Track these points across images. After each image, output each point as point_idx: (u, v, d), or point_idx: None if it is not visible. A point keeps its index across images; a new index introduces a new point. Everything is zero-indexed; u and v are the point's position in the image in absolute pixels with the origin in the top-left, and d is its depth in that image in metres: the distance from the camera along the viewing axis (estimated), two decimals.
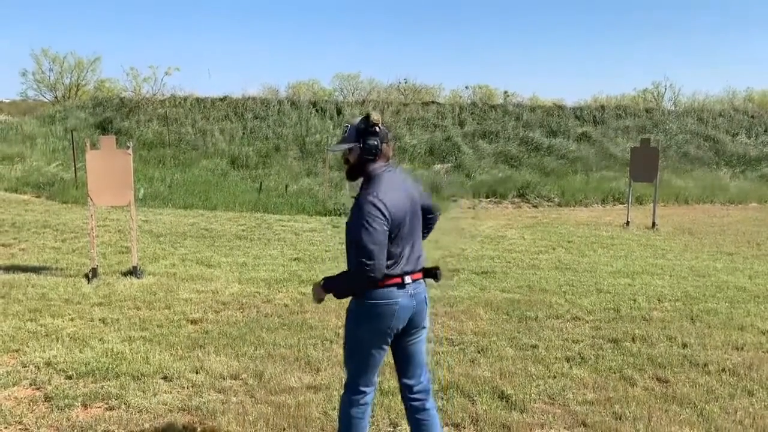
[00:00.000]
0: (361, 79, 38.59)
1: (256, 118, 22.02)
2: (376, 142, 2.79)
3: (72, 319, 5.53)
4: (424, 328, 2.94)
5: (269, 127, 21.40)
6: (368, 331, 2.79)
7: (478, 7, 71.89)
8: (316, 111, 23.03)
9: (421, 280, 2.89)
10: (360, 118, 2.85)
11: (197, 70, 62.63)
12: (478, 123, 22.95)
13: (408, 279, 2.79)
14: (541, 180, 18.14)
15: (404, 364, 2.96)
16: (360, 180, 2.87)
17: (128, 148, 7.32)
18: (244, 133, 20.91)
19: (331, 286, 2.82)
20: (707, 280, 7.59)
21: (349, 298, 2.88)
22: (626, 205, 13.55)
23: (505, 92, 30.50)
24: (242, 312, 5.88)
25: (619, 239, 10.77)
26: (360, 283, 2.71)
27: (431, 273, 2.93)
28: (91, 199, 7.24)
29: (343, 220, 12.00)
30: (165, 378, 4.27)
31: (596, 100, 32.22)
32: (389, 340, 2.84)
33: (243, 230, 10.61)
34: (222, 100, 23.12)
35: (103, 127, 20.05)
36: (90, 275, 6.98)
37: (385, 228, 2.66)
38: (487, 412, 3.81)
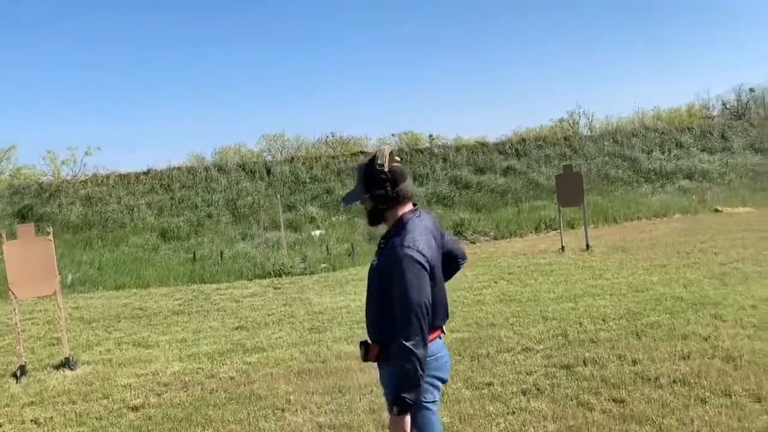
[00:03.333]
0: (288, 137, 38.61)
1: (184, 187, 21.66)
2: (383, 192, 2.56)
3: (0, 425, 5.11)
4: None
5: (198, 195, 21.06)
6: (428, 391, 2.54)
7: (390, 55, 73.86)
8: (246, 173, 22.86)
9: None
10: (366, 160, 2.62)
11: (118, 147, 61.23)
12: (407, 167, 23.25)
13: (444, 328, 2.69)
14: (474, 216, 18.45)
15: None
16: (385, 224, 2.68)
17: (48, 233, 6.99)
18: (172, 204, 20.48)
19: (405, 393, 2.37)
20: (646, 294, 7.78)
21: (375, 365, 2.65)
22: (559, 230, 13.88)
23: (430, 135, 31.19)
24: (186, 391, 5.59)
25: (557, 264, 10.98)
26: (421, 353, 2.38)
27: None
28: (12, 292, 6.82)
29: (283, 279, 11.72)
30: None
31: (517, 133, 33.33)
32: None
33: (179, 304, 10.23)
34: (146, 173, 22.66)
35: (23, 215, 19.25)
36: (18, 374, 6.52)
37: (428, 280, 2.47)
38: None
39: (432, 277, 2.49)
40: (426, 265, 2.46)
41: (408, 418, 2.39)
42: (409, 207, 2.62)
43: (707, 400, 4.23)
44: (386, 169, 2.56)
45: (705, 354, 5.19)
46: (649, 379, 4.72)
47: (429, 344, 2.46)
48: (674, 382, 4.62)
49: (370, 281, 2.62)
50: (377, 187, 2.56)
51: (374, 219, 2.66)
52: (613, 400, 4.42)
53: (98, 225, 19.07)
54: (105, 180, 22.16)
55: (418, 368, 2.35)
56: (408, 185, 2.62)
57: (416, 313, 2.37)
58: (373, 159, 2.58)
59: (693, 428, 3.81)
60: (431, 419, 2.55)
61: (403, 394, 2.36)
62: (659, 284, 8.38)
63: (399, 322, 2.39)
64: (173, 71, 66.38)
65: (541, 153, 25.11)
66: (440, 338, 2.63)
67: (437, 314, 2.55)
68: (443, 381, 2.62)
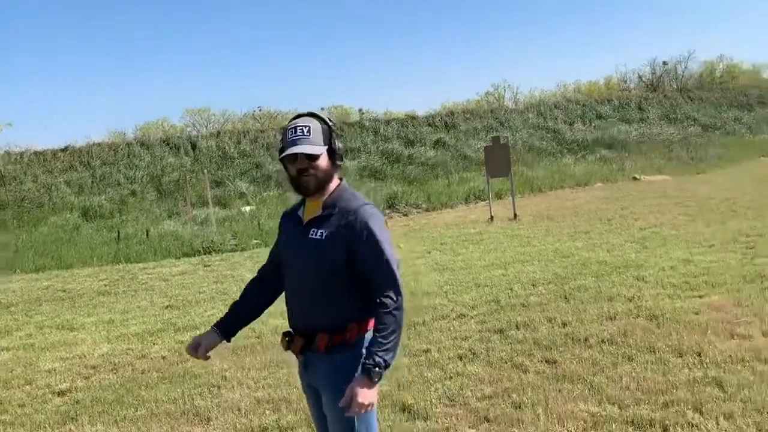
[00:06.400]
0: (214, 112, 37.50)
1: (105, 164, 20.81)
2: (341, 146, 2.31)
3: None
4: None
5: (120, 172, 20.28)
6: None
7: (322, 29, 72.92)
8: (170, 148, 22.14)
9: None
10: (310, 116, 2.28)
11: (33, 123, 57.99)
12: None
13: None
14: (406, 189, 18.56)
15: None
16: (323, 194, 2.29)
17: None
18: (93, 182, 19.64)
19: (385, 357, 2.12)
20: (572, 260, 8.05)
21: (333, 356, 2.26)
22: (488, 201, 14.16)
23: (360, 109, 31.04)
24: (115, 373, 5.40)
25: (487, 234, 11.20)
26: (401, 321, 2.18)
27: None
28: None
29: (214, 257, 11.46)
30: None
31: (445, 107, 33.57)
32: None
33: (105, 285, 9.85)
34: (64, 150, 21.60)
35: None
36: None
37: None
38: (392, 428, 3.73)
39: None
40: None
41: (372, 384, 2.13)
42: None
43: (634, 357, 4.41)
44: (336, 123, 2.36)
45: (630, 314, 5.42)
46: (579, 340, 4.89)
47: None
48: (602, 341, 4.80)
49: (313, 259, 2.23)
50: (335, 140, 2.27)
51: (321, 183, 2.25)
52: (545, 361, 4.55)
53: (13, 205, 18.10)
54: (19, 158, 20.99)
55: (401, 331, 2.17)
56: None
57: (398, 271, 2.18)
58: (316, 114, 2.31)
59: (622, 384, 3.97)
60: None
61: (387, 358, 2.12)
62: (584, 249, 8.68)
63: (388, 278, 2.16)
64: (87, 44, 63.23)
65: (469, 126, 25.45)
66: None
67: None
68: None
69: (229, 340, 2.48)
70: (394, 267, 2.18)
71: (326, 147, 2.24)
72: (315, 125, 2.25)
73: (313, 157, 2.21)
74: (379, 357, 2.10)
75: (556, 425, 3.55)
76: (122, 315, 7.60)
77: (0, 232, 15.78)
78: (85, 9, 64.23)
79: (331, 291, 2.23)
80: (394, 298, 2.15)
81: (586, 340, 4.87)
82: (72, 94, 63.80)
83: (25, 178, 19.65)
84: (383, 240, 2.19)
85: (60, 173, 20.10)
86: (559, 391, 3.97)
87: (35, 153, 21.38)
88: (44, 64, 63.12)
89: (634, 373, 4.11)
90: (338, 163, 2.29)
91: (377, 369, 2.10)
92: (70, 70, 63.46)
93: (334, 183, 2.31)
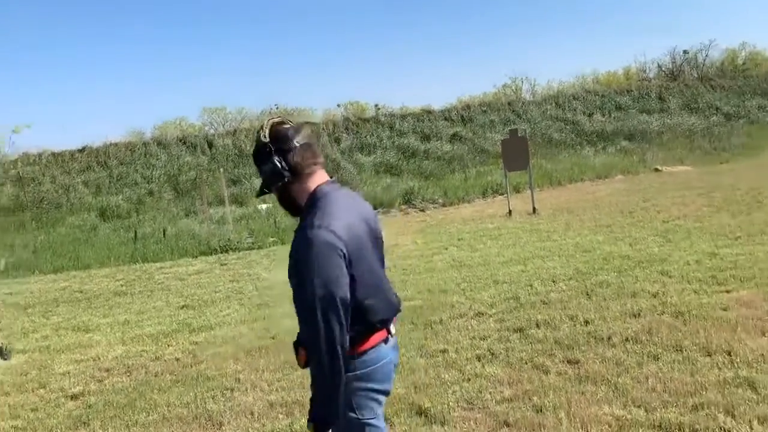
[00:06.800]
0: (230, 110, 37.57)
1: (122, 164, 20.92)
2: (271, 166, 2.10)
3: None
4: None
5: (137, 172, 20.37)
6: (367, 407, 2.12)
7: (339, 25, 72.84)
8: (187, 147, 22.20)
9: None
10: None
11: (50, 124, 58.56)
12: (353, 137, 23.02)
13: (392, 327, 2.22)
14: (423, 184, 18.40)
15: None
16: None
17: None
18: (110, 182, 19.75)
19: (319, 413, 2.02)
20: (593, 254, 7.85)
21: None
22: (506, 195, 13.95)
23: (376, 105, 30.92)
24: (129, 375, 5.34)
25: (505, 229, 11.01)
26: (338, 363, 1.98)
27: None
28: None
29: (230, 255, 11.42)
30: None
31: (461, 101, 33.29)
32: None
33: (122, 285, 9.84)
34: (81, 151, 21.76)
35: None
36: None
37: (343, 269, 2.00)
38: None
39: (354, 264, 2.03)
40: (341, 249, 1.99)
41: None
42: (321, 178, 2.16)
43: (659, 356, 4.24)
44: (266, 139, 2.11)
45: (654, 310, 5.23)
46: (602, 339, 4.72)
47: (371, 350, 2.11)
48: (626, 340, 4.62)
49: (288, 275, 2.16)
50: (264, 162, 2.12)
51: (288, 206, 2.21)
52: (567, 361, 4.39)
53: (32, 206, 18.24)
54: (37, 159, 21.19)
55: (329, 380, 1.97)
56: (306, 151, 2.13)
57: (323, 309, 1.95)
58: (257, 140, 2.15)
59: (648, 385, 3.80)
60: None
61: (321, 413, 2.00)
62: (605, 243, 8.47)
63: (302, 322, 2.02)
64: (111, 46, 63.74)
65: (485, 119, 25.20)
66: (386, 342, 2.18)
67: (376, 312, 2.12)
68: (386, 393, 2.22)
69: None
70: (315, 311, 1.95)
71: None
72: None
73: (267, 192, 2.23)
74: (315, 413, 2.02)
75: (579, 430, 3.40)
76: (138, 316, 7.56)
77: (19, 234, 15.91)
78: (104, 9, 64.72)
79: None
80: (310, 345, 2.01)
81: (609, 338, 4.70)
82: (90, 95, 64.36)
83: (44, 179, 19.82)
84: (307, 271, 1.97)
85: (77, 174, 20.25)
86: (582, 393, 3.82)
87: (53, 154, 21.58)
88: (62, 65, 63.73)
89: (660, 374, 3.94)
90: (285, 178, 2.12)
91: (311, 423, 2.01)
92: (89, 71, 64.03)
93: (307, 193, 2.16)
